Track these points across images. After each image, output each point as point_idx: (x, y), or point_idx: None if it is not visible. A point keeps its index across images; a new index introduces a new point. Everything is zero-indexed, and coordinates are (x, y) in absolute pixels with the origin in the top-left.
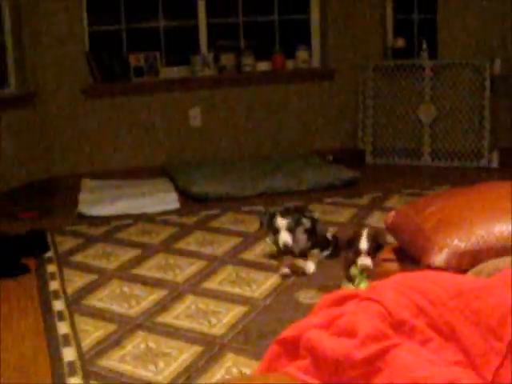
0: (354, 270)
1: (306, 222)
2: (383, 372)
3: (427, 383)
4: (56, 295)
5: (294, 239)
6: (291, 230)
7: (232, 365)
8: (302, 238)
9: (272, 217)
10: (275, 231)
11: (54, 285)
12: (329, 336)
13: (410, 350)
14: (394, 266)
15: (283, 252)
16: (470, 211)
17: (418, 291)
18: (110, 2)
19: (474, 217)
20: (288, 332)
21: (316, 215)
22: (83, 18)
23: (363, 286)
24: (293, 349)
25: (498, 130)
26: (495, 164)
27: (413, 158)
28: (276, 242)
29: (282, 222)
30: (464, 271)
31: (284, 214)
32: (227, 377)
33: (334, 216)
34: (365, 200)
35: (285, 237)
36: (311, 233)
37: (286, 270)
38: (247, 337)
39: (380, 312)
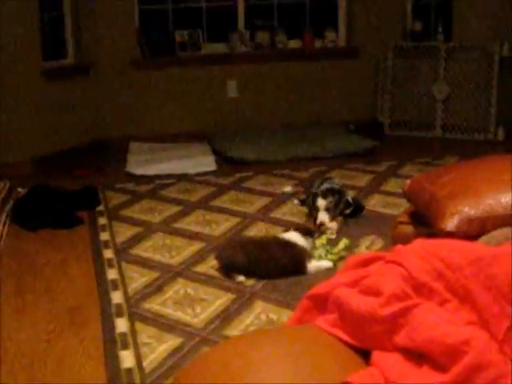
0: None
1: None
2: (405, 328)
3: (444, 340)
4: (106, 245)
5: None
6: (329, 210)
7: (261, 311)
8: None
9: (314, 196)
10: (315, 209)
11: (104, 235)
12: (356, 294)
13: (430, 310)
14: (409, 228)
15: (317, 229)
16: (480, 182)
17: (438, 257)
18: None
19: (483, 187)
20: (318, 289)
21: (349, 196)
22: None
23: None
24: (322, 304)
25: (504, 107)
26: (501, 137)
27: (426, 130)
28: (314, 219)
29: (322, 203)
30: (473, 237)
31: (325, 195)
32: (256, 321)
33: (353, 181)
34: (382, 167)
35: (322, 216)
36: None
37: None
38: (275, 286)
39: (403, 274)
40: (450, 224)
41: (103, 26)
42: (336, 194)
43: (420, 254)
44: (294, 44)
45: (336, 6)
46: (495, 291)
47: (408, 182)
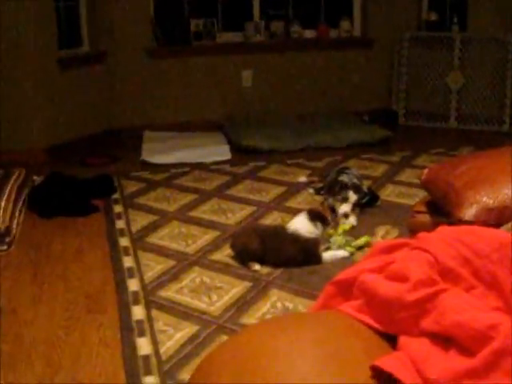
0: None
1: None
2: (431, 314)
3: (471, 325)
4: (122, 233)
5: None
6: (355, 205)
7: (276, 299)
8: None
9: (343, 187)
10: (343, 199)
11: (120, 223)
12: (382, 279)
13: (456, 295)
14: (426, 217)
15: (335, 217)
16: (497, 172)
17: (464, 243)
18: None
19: (501, 177)
20: (343, 275)
21: (364, 186)
22: None
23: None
24: (347, 290)
25: None
26: None
27: (441, 121)
28: (335, 208)
29: (353, 196)
30: (491, 226)
31: (355, 190)
32: (272, 310)
33: (368, 171)
34: (396, 157)
35: (348, 208)
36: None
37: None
38: (290, 275)
39: (429, 260)
40: (469, 213)
41: (118, 15)
42: (359, 189)
43: (446, 240)
44: (308, 34)
45: None
46: None
47: (425, 171)
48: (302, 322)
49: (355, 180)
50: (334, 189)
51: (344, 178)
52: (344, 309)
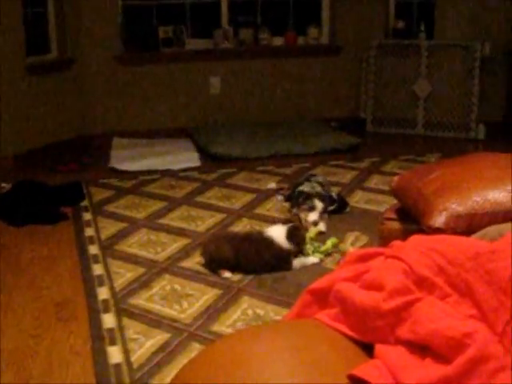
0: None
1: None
2: (407, 322)
3: (446, 333)
4: (91, 240)
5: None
6: (321, 214)
7: (247, 306)
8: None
9: (308, 197)
10: (311, 208)
11: (89, 231)
12: (358, 288)
13: (431, 304)
14: (396, 224)
15: (305, 227)
16: (467, 179)
17: (438, 252)
18: None
19: (471, 184)
20: (318, 283)
21: (333, 192)
22: None
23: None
24: (323, 298)
25: (485, 106)
26: (481, 136)
27: (408, 127)
28: (302, 217)
29: (319, 205)
30: (461, 233)
31: (322, 199)
32: (243, 317)
33: (337, 177)
34: (365, 164)
35: (315, 217)
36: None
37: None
38: (260, 282)
39: (404, 269)
40: (439, 220)
41: (87, 21)
42: (325, 197)
43: (420, 249)
44: (277, 41)
45: (319, 3)
46: (494, 286)
47: (395, 178)
48: (278, 330)
49: (319, 188)
50: (298, 199)
51: (306, 187)
52: (320, 317)
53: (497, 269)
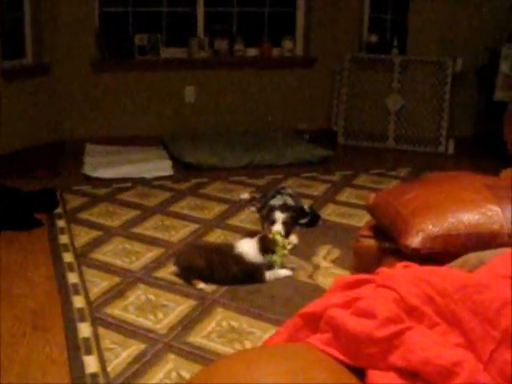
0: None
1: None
2: (399, 349)
3: (437, 361)
4: (65, 248)
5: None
6: (286, 223)
7: (222, 318)
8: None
9: (271, 210)
10: (272, 222)
11: (63, 238)
12: (350, 315)
13: (422, 333)
14: (371, 242)
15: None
16: (443, 200)
17: (427, 283)
18: None
19: (446, 205)
20: (309, 308)
21: (305, 205)
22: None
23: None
24: (313, 323)
25: (455, 121)
26: (451, 150)
27: (379, 141)
28: (269, 231)
29: (280, 216)
30: (437, 253)
31: (283, 209)
32: (218, 328)
33: (309, 190)
34: (336, 177)
35: (278, 228)
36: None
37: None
38: (235, 294)
39: (395, 298)
40: (415, 241)
41: (63, 27)
42: (292, 210)
43: (410, 279)
44: (252, 52)
45: (294, 15)
46: (481, 316)
47: (372, 196)
48: (274, 353)
49: (290, 201)
50: (263, 212)
51: (277, 200)
52: (312, 341)
53: (483, 300)
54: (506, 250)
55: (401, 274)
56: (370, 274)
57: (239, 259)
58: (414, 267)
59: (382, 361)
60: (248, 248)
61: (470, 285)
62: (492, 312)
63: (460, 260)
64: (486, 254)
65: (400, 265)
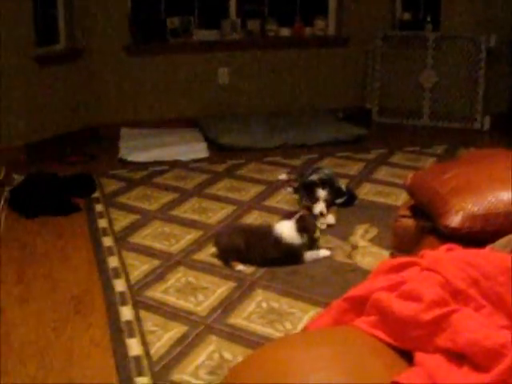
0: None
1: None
2: (445, 332)
3: (484, 343)
4: (105, 232)
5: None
6: (326, 200)
7: (262, 299)
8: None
9: (312, 185)
10: (315, 200)
11: (102, 223)
12: (396, 298)
13: (468, 315)
14: (410, 221)
15: (315, 217)
16: (481, 179)
17: (472, 266)
18: None
19: (485, 185)
20: (354, 291)
21: (342, 185)
22: None
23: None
24: (359, 306)
25: (490, 97)
26: (487, 127)
27: (414, 118)
28: (310, 207)
29: (322, 193)
30: (476, 232)
31: (324, 185)
32: (258, 310)
33: (345, 169)
34: (372, 155)
35: (322, 207)
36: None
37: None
38: (273, 275)
39: (440, 281)
40: (455, 220)
41: (95, 12)
42: (330, 185)
43: (455, 262)
44: (284, 32)
45: None
46: None
47: (410, 176)
48: (321, 338)
49: (324, 175)
50: (304, 191)
51: (313, 177)
52: (359, 324)
53: None
54: None
55: (446, 257)
56: (414, 256)
57: (278, 241)
58: (458, 250)
59: (429, 343)
60: (286, 229)
61: None
62: None
63: (503, 241)
64: None
65: (443, 247)
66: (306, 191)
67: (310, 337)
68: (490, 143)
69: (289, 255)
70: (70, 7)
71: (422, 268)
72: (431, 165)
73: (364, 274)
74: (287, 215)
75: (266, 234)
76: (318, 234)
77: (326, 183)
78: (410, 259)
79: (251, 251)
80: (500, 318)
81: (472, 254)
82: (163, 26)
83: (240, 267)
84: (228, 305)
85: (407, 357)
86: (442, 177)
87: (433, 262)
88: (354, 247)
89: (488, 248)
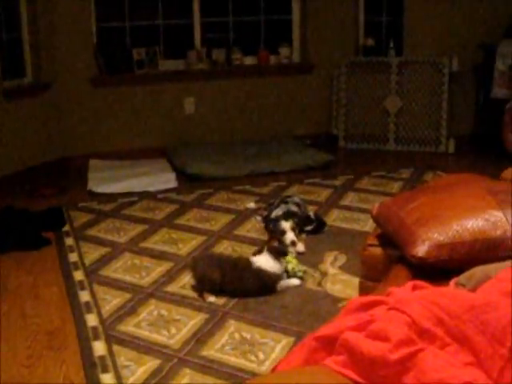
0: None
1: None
2: (413, 371)
3: (450, 382)
4: (75, 266)
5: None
6: (294, 229)
7: (234, 330)
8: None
9: (276, 221)
10: (282, 232)
11: (72, 257)
12: (364, 338)
13: (434, 354)
14: (378, 250)
15: (287, 247)
16: (447, 208)
17: (437, 305)
18: (116, 1)
19: (450, 213)
20: (324, 330)
21: (310, 212)
22: (92, 15)
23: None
24: (329, 345)
25: (454, 120)
26: (452, 150)
27: (379, 143)
28: (282, 241)
29: (286, 225)
30: (443, 261)
31: (286, 217)
32: (230, 341)
33: (313, 196)
34: (339, 181)
35: (291, 236)
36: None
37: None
38: (245, 305)
39: (407, 321)
40: (422, 250)
41: (61, 44)
42: (293, 214)
43: (420, 302)
44: (249, 60)
45: (290, 22)
46: (489, 335)
47: (376, 206)
48: (291, 378)
49: (292, 205)
50: (269, 225)
51: (277, 210)
52: (329, 364)
53: (490, 320)
54: (508, 263)
55: (411, 296)
56: (381, 293)
57: (258, 273)
58: (424, 289)
59: (397, 382)
60: (265, 260)
61: (477, 305)
62: (499, 331)
63: (466, 274)
64: (491, 268)
65: (409, 284)
66: (272, 226)
67: (280, 377)
68: (455, 166)
69: (267, 285)
70: (35, 40)
71: (389, 307)
72: (397, 193)
73: (334, 301)
74: (257, 252)
75: (243, 266)
76: (294, 264)
77: (289, 215)
78: (377, 298)
79: (227, 282)
80: (465, 356)
81: (437, 293)
82: (129, 57)
83: (211, 299)
84: (201, 337)
85: None
86: (407, 206)
87: (399, 302)
88: (324, 275)
89: (453, 281)
